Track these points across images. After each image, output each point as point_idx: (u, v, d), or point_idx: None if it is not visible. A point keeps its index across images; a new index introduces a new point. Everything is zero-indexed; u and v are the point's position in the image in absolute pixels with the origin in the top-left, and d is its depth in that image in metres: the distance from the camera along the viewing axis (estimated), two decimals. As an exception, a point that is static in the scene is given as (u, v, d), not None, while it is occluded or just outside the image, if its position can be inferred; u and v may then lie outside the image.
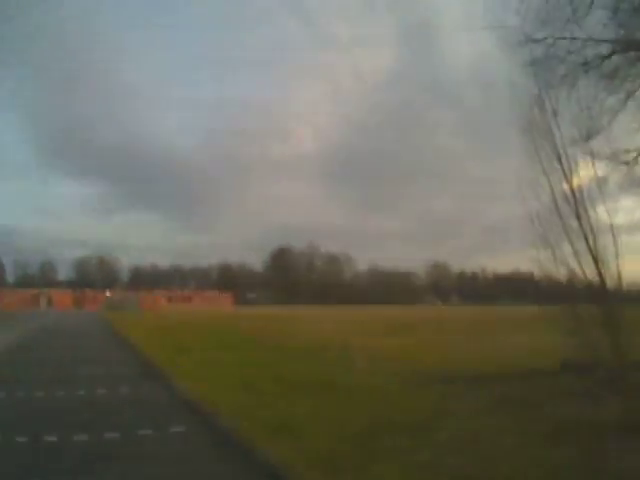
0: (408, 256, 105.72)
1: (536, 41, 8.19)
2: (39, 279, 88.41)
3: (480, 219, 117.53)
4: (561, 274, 7.13)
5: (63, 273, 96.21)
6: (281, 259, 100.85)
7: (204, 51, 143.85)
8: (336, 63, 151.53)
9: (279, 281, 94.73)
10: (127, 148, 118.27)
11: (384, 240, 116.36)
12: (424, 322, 28.07)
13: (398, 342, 14.92)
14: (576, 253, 6.91)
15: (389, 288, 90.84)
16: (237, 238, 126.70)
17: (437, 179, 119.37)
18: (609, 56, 7.89)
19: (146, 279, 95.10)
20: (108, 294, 75.38)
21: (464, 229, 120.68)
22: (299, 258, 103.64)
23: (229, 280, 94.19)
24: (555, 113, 7.81)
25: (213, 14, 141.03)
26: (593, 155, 7.78)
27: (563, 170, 7.40)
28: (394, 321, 29.76)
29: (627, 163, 8.34)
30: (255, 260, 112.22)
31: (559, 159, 7.46)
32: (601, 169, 7.76)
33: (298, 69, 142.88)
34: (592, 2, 7.68)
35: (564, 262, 6.93)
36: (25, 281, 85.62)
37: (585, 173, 7.46)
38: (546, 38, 8.12)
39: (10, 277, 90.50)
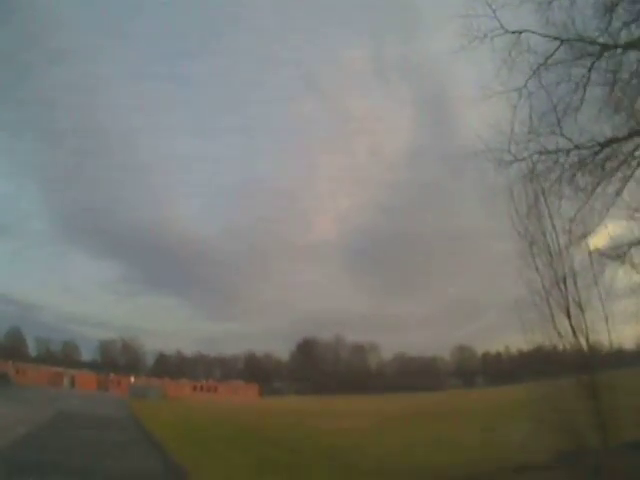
0: (434, 339, 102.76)
1: (521, 160, 9.24)
2: (61, 357, 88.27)
3: (503, 297, 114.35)
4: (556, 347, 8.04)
5: (86, 353, 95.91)
6: (307, 350, 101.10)
7: (222, 133, 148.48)
8: (354, 140, 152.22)
9: (305, 372, 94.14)
10: (149, 231, 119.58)
11: (410, 325, 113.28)
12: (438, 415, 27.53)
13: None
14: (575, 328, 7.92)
15: (415, 375, 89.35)
16: (261, 326, 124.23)
17: (460, 259, 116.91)
18: (593, 158, 8.72)
19: (170, 366, 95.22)
20: (132, 380, 75.17)
21: (489, 308, 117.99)
22: (325, 349, 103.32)
23: (254, 370, 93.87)
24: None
25: (231, 94, 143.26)
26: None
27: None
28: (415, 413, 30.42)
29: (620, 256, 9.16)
30: (280, 349, 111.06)
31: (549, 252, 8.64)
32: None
33: (317, 148, 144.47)
34: (580, 105, 8.67)
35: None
36: (47, 358, 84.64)
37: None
38: (532, 155, 9.13)
39: (32, 352, 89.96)
